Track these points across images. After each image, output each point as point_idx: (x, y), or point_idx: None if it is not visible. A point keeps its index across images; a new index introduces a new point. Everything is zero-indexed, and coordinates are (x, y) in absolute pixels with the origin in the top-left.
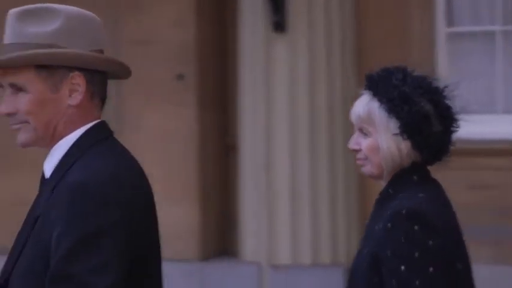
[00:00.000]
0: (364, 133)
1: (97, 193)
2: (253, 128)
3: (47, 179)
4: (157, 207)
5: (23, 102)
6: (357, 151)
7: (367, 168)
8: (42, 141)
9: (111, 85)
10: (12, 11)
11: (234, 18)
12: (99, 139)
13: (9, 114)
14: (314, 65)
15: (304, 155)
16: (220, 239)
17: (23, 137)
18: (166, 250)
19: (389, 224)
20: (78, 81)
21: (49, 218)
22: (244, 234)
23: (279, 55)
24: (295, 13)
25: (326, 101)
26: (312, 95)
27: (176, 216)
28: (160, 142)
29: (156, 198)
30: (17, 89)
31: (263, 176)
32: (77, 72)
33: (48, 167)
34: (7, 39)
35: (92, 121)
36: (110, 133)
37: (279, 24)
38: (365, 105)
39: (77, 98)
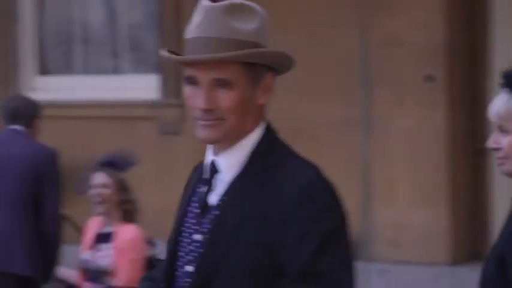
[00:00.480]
0: (504, 131)
1: (330, 192)
2: None
3: (221, 174)
4: (406, 209)
5: (226, 99)
6: (496, 150)
7: (507, 167)
8: (227, 139)
9: (360, 89)
10: (217, 5)
11: (484, 19)
12: (277, 139)
13: (206, 110)
14: None
15: None
16: (471, 242)
17: (213, 133)
18: (413, 253)
19: None
20: (270, 81)
21: (268, 217)
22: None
23: None
24: None
25: None
26: None
27: (425, 219)
28: (409, 144)
29: (405, 200)
30: (222, 85)
31: None
32: (270, 72)
33: (227, 164)
34: (211, 32)
35: (263, 120)
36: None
37: None
38: (504, 103)
39: (266, 98)
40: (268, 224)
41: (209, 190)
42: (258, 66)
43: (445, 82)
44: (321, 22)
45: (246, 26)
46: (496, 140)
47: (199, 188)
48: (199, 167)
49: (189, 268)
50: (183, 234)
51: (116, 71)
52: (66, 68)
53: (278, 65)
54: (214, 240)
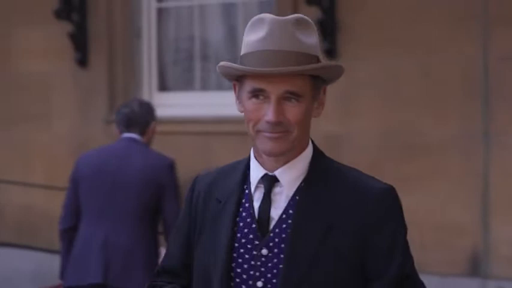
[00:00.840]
0: None
1: (398, 197)
2: None
3: (279, 188)
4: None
5: (293, 112)
6: None
7: None
8: (290, 152)
9: (480, 103)
10: (285, 19)
11: None
12: (323, 153)
13: (275, 123)
14: None
15: None
16: None
17: (280, 146)
18: None
19: None
20: (324, 94)
21: (350, 226)
22: None
23: None
24: None
25: None
26: None
27: None
28: None
29: None
30: (290, 98)
31: None
32: (324, 85)
33: (290, 177)
34: (281, 45)
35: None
36: None
37: None
38: None
39: (320, 111)
40: (351, 233)
41: (268, 204)
42: (319, 80)
43: None
44: (439, 36)
45: (310, 40)
46: None
47: (244, 203)
48: (203, 180)
49: (259, 284)
50: (240, 250)
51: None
52: (185, 85)
53: (333, 79)
54: (296, 253)
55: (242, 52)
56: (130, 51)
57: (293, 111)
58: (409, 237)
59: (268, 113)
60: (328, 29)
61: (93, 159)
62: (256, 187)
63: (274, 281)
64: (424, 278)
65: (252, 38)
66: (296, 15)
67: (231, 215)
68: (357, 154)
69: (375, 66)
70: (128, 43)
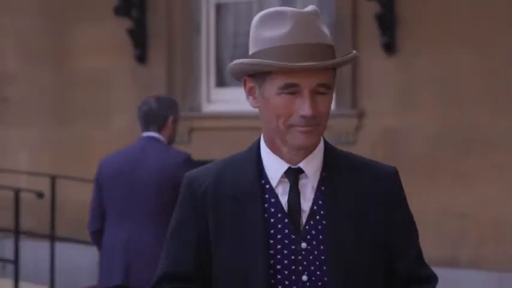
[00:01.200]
0: None
1: None
2: None
3: (304, 180)
4: None
5: (324, 104)
6: None
7: None
8: (316, 144)
9: None
10: (309, 11)
11: None
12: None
13: (311, 117)
14: None
15: None
16: None
17: (311, 139)
18: None
19: None
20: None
21: (378, 209)
22: None
23: None
24: None
25: None
26: None
27: None
28: None
29: None
30: (321, 91)
31: None
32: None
33: (313, 168)
34: (311, 38)
35: None
36: None
37: None
38: None
39: (331, 103)
40: (378, 216)
41: (297, 197)
42: (336, 71)
43: None
44: (499, 31)
45: (327, 31)
46: None
47: (268, 198)
48: (204, 179)
49: (304, 278)
50: (277, 246)
51: None
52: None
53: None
54: (336, 244)
55: (258, 48)
56: (189, 47)
57: (324, 103)
58: (466, 232)
59: (304, 108)
60: (387, 23)
61: (113, 162)
62: (279, 181)
63: (318, 273)
64: (481, 274)
65: (273, 33)
66: (312, 6)
67: (259, 212)
68: (415, 148)
69: (433, 61)
70: (187, 39)
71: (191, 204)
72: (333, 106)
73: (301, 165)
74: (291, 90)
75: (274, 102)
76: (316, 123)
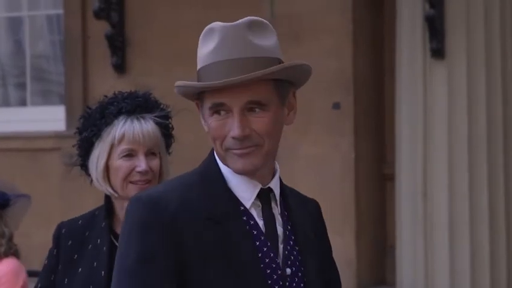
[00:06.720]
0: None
1: None
2: (410, 157)
3: (275, 199)
4: None
5: (261, 122)
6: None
7: None
8: (265, 166)
9: None
10: (236, 24)
11: (390, 45)
12: None
13: (242, 138)
14: (473, 92)
15: (463, 184)
16: (376, 269)
17: (252, 162)
18: None
19: None
20: (294, 97)
21: (317, 235)
22: (401, 264)
23: (437, 82)
24: (454, 39)
25: (486, 129)
26: (471, 123)
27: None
28: (316, 170)
29: None
30: (255, 108)
31: (420, 205)
32: (292, 88)
33: (277, 190)
34: (236, 53)
35: None
36: None
37: (438, 51)
38: None
39: (292, 117)
40: (326, 241)
41: (273, 220)
42: (284, 83)
43: (352, 108)
44: None
45: (267, 42)
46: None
47: (247, 220)
48: (167, 204)
49: None
50: (266, 270)
51: (22, 102)
52: None
53: (302, 80)
54: (311, 271)
55: (197, 67)
56: None
57: (259, 122)
58: None
59: (233, 128)
60: (117, 43)
61: None
62: (252, 203)
63: None
64: None
65: (203, 50)
66: (249, 17)
67: (247, 235)
68: None
69: (163, 80)
70: None
71: (160, 230)
72: (65, 126)
73: (271, 185)
74: (220, 109)
75: (210, 124)
76: (254, 143)
